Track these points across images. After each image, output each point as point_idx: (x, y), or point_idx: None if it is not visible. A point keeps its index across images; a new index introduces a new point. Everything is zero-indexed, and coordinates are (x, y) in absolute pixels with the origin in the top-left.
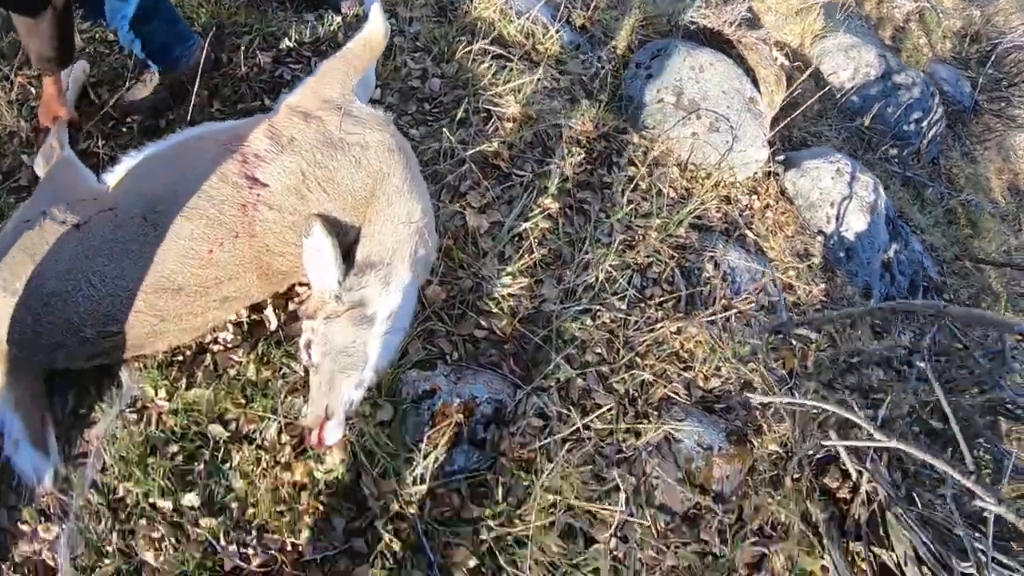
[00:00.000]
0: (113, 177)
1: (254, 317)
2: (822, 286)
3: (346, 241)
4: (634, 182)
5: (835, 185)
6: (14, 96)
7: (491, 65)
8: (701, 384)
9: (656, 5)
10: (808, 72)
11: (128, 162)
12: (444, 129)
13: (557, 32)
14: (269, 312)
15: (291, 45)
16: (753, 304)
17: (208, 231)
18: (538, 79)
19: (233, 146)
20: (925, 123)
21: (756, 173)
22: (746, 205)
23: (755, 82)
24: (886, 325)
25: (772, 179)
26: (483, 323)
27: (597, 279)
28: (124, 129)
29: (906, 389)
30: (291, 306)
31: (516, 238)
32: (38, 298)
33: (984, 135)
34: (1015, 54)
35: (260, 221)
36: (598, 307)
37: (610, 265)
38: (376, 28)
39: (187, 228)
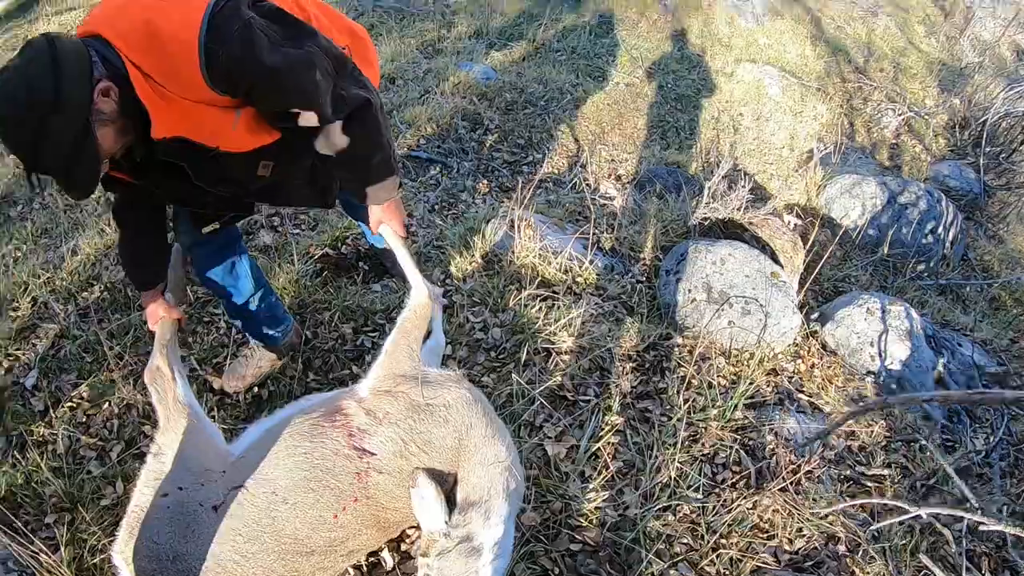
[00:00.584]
0: (237, 447)
1: (372, 560)
2: (882, 423)
3: (446, 487)
4: (686, 381)
5: (869, 325)
6: (127, 371)
7: (541, 307)
8: (787, 548)
9: (670, 210)
10: (817, 229)
11: (249, 436)
12: (512, 373)
13: (591, 262)
14: (385, 554)
15: (366, 316)
16: (819, 461)
17: (331, 499)
18: (584, 311)
19: (337, 421)
20: (941, 229)
21: (795, 339)
22: (793, 371)
23: (774, 256)
24: (955, 437)
25: (811, 339)
26: (576, 537)
27: (671, 477)
28: (229, 400)
29: (992, 490)
30: (404, 547)
31: (592, 456)
32: None
33: (1002, 212)
34: (1004, 122)
35: (373, 484)
36: (676, 502)
37: (679, 462)
38: (419, 297)
39: (312, 498)
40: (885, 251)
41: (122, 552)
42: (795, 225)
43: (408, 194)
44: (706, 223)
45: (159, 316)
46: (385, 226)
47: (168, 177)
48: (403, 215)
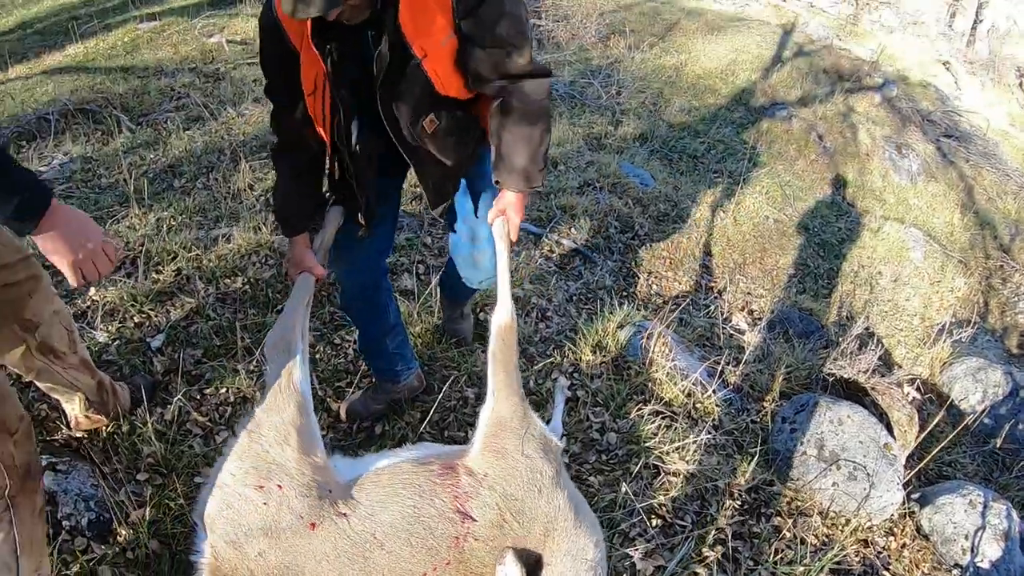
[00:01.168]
0: (345, 471)
1: None
2: None
3: (529, 563)
4: (780, 532)
5: (968, 517)
6: (253, 368)
7: (659, 423)
8: None
9: (796, 356)
10: (940, 415)
11: (361, 466)
12: (621, 482)
13: (714, 392)
14: None
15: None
16: None
17: (426, 557)
18: (700, 438)
19: (447, 480)
20: None
21: (892, 515)
22: (883, 547)
23: (889, 426)
24: None
25: (908, 518)
26: None
27: None
28: (342, 426)
29: None
30: None
31: None
32: None
33: None
34: None
35: (468, 550)
36: None
37: None
38: (503, 315)
39: (408, 552)
40: (998, 444)
41: (204, 517)
42: (913, 398)
43: (550, 280)
44: (830, 379)
45: (306, 267)
46: (501, 221)
47: (352, 87)
48: (523, 216)
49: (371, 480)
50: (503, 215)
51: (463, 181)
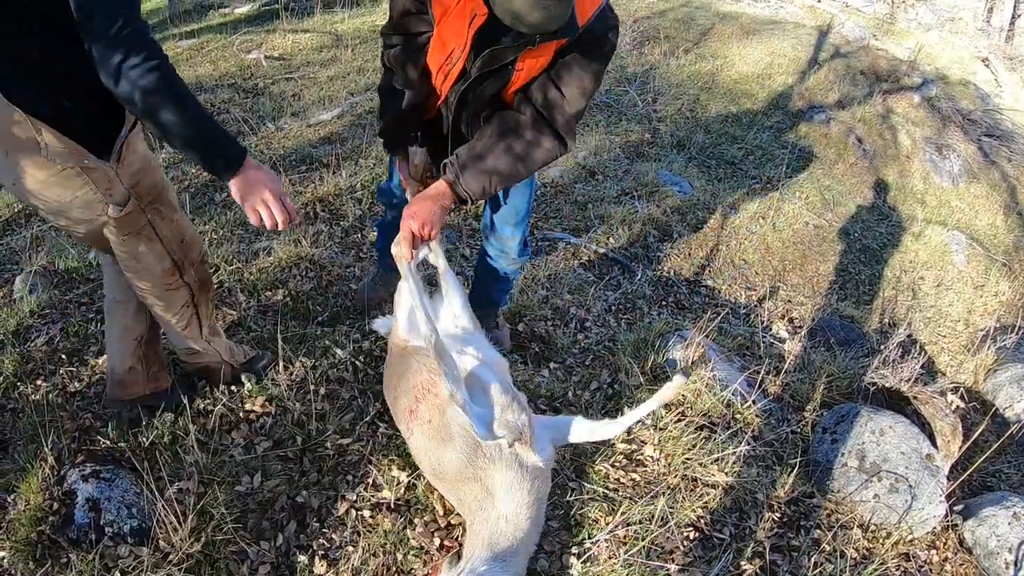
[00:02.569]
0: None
1: None
2: None
3: None
4: (819, 545)
5: (1012, 530)
6: (293, 379)
7: (698, 434)
8: None
9: (837, 365)
10: (984, 424)
11: None
12: (659, 494)
13: (753, 402)
14: None
15: (530, 398)
16: None
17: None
18: (739, 450)
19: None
20: None
21: (934, 528)
22: (924, 560)
23: (931, 436)
24: None
25: (950, 531)
26: None
27: None
28: None
29: None
30: None
31: None
32: None
33: None
34: None
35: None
36: None
37: None
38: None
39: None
40: None
41: None
42: (957, 407)
43: (588, 290)
44: (871, 388)
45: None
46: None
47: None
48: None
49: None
50: (412, 211)
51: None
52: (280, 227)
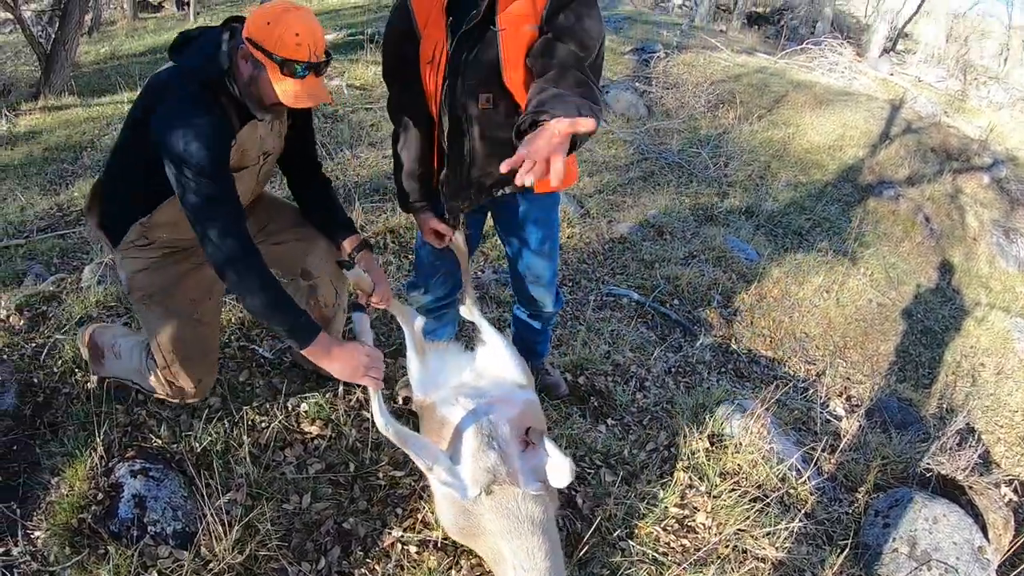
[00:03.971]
0: None
1: None
2: None
3: None
4: None
5: None
6: (351, 408)
7: (751, 507)
8: None
9: (892, 447)
10: None
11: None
12: (709, 563)
13: (808, 479)
14: None
15: (588, 453)
16: None
17: None
18: (791, 526)
19: None
20: None
21: None
22: None
23: (984, 528)
24: None
25: None
26: None
27: None
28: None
29: None
30: None
31: None
32: None
33: None
34: None
35: None
36: None
37: None
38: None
39: None
40: None
41: None
42: (1010, 500)
43: (650, 350)
44: (927, 474)
45: (431, 228)
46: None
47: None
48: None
49: None
50: (535, 156)
51: (511, 217)
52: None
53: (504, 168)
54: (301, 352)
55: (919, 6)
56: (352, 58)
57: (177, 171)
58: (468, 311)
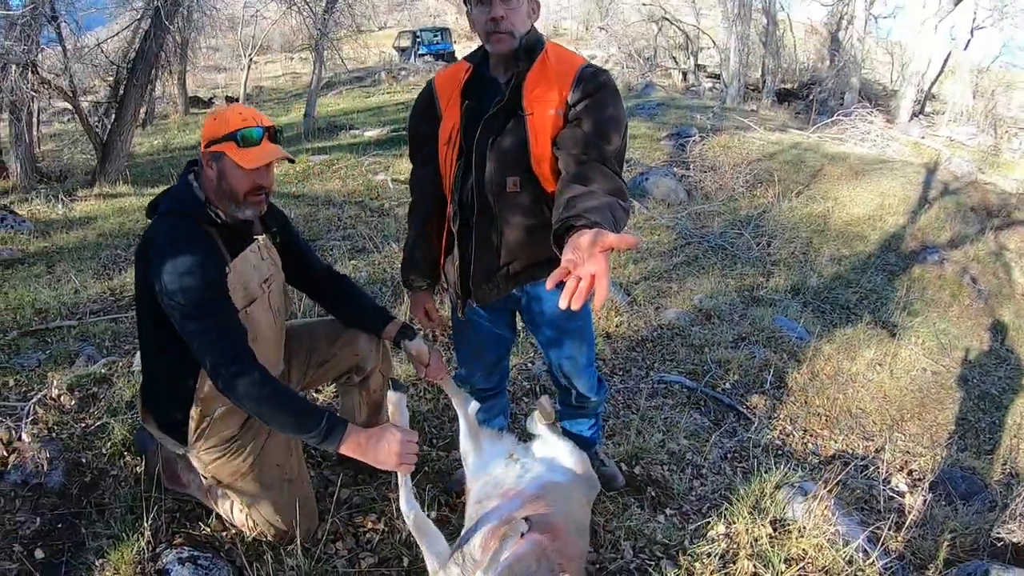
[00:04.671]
0: None
1: None
2: None
3: None
4: None
5: None
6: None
7: None
8: None
9: (959, 519)
10: None
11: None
12: None
13: (875, 559)
14: None
15: (648, 543)
16: None
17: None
18: None
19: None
20: None
21: None
22: None
23: None
24: None
25: None
26: None
27: None
28: None
29: None
30: None
31: None
32: None
33: None
34: None
35: None
36: None
37: None
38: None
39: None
40: None
41: None
42: None
43: (705, 436)
44: (999, 544)
45: (423, 311)
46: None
47: (470, 145)
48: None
49: None
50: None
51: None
52: (407, 469)
53: (550, 284)
54: (338, 452)
55: (943, 65)
56: (396, 153)
57: (175, 303)
58: (536, 424)
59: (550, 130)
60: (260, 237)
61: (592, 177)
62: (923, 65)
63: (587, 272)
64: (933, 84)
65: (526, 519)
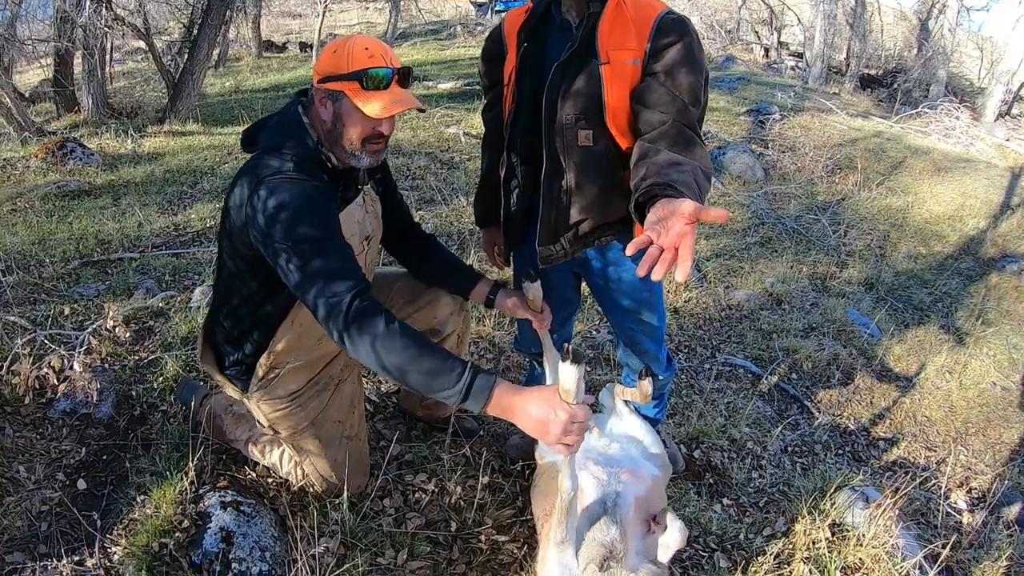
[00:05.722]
0: None
1: None
2: None
3: None
4: None
5: None
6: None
7: None
8: None
9: (1018, 546)
10: None
11: None
12: None
13: None
14: None
15: (703, 533)
16: None
17: None
18: None
19: None
20: None
21: None
22: None
23: None
24: None
25: None
26: None
27: None
28: None
29: None
30: None
31: None
32: None
33: None
34: None
35: None
36: None
37: None
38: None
39: None
40: None
41: None
42: None
43: (767, 426)
44: None
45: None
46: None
47: (535, 84)
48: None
49: None
50: (665, 243)
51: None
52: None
53: (630, 251)
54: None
55: None
56: (469, 107)
57: (282, 242)
58: (612, 398)
59: (628, 81)
60: (366, 187)
61: (678, 144)
62: (1015, 63)
63: (671, 243)
64: (1023, 86)
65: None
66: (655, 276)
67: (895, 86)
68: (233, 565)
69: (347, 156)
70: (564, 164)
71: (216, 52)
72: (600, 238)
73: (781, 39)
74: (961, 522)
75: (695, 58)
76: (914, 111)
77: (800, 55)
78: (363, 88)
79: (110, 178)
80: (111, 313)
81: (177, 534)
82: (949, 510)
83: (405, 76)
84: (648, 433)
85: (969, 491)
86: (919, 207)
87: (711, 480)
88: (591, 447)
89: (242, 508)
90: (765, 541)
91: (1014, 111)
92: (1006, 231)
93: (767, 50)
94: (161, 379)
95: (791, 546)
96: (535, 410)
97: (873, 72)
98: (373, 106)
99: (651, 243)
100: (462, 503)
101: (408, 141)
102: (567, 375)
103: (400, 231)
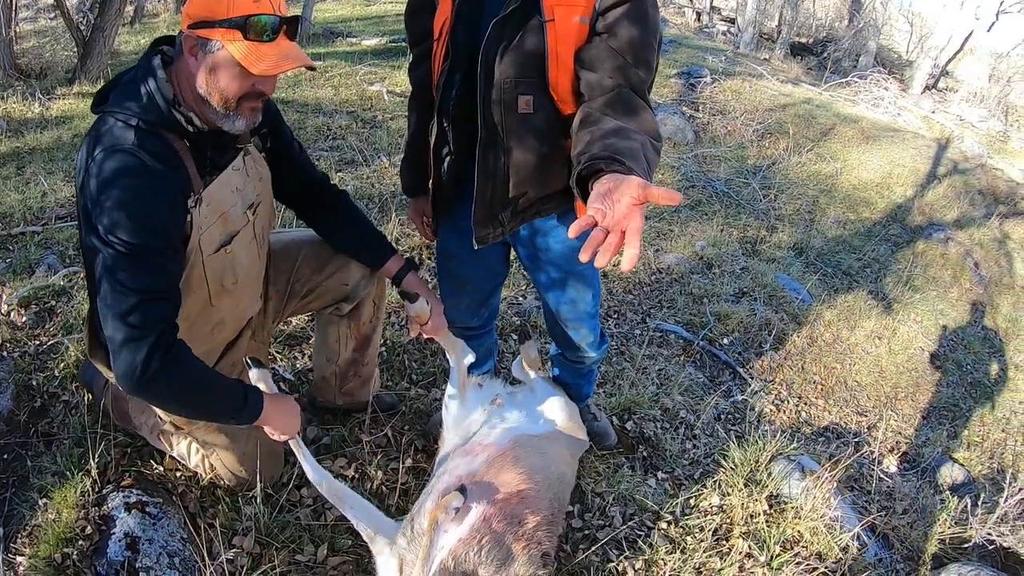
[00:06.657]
0: None
1: None
2: None
3: None
4: None
5: None
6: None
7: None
8: None
9: (950, 513)
10: None
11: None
12: None
13: (865, 546)
14: None
15: (639, 508)
16: None
17: None
18: None
19: None
20: None
21: None
22: None
23: None
24: None
25: None
26: None
27: None
28: None
29: None
30: None
31: None
32: None
33: None
34: None
35: None
36: None
37: None
38: None
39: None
40: None
41: None
42: None
43: (699, 393)
44: (989, 547)
45: (419, 222)
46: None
47: (469, 39)
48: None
49: None
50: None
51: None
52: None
53: (572, 233)
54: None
55: (963, 44)
56: (393, 64)
57: (98, 241)
58: (523, 370)
59: (573, 42)
60: (246, 145)
61: (624, 110)
62: (943, 40)
63: (617, 226)
64: (950, 61)
65: (461, 489)
66: (598, 263)
67: (825, 55)
68: (140, 574)
69: (218, 117)
70: (501, 134)
71: (131, 8)
72: (539, 212)
73: (713, 4)
74: (893, 487)
75: (647, 16)
76: (844, 80)
77: (732, 20)
78: (246, 37)
79: (15, 145)
80: (5, 296)
81: (80, 542)
82: (882, 475)
83: (294, 26)
84: (562, 406)
85: (902, 456)
86: (848, 174)
87: (644, 453)
88: (469, 431)
89: (147, 510)
90: (702, 516)
91: (940, 86)
92: (932, 200)
93: (699, 14)
94: (63, 365)
95: (728, 521)
96: (281, 411)
97: (804, 40)
98: (257, 61)
99: (595, 224)
100: (384, 489)
101: (329, 99)
102: (261, 378)
103: (304, 192)
